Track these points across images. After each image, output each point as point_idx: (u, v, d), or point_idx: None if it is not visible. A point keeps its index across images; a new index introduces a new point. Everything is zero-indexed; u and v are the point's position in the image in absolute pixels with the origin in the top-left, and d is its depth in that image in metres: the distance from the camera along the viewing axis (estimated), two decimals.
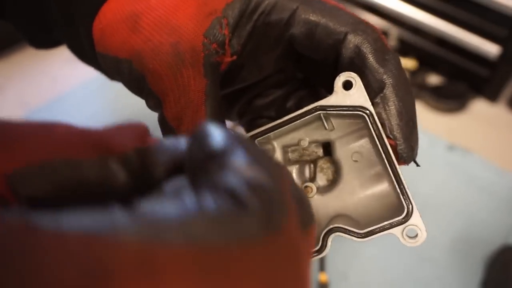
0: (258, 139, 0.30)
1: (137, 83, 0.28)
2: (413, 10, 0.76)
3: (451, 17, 0.74)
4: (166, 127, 0.27)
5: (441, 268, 0.56)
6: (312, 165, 0.32)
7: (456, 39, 0.74)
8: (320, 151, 0.32)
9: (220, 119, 0.27)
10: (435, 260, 0.57)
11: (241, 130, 0.34)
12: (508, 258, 0.53)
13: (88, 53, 0.31)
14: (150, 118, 0.81)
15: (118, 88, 0.83)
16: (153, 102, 0.28)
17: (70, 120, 0.70)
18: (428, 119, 0.74)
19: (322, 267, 0.52)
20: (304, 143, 0.31)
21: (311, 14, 0.26)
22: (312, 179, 0.32)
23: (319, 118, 0.29)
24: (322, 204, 0.31)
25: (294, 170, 0.33)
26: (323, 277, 0.52)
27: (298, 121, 0.29)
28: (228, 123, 0.34)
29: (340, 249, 0.58)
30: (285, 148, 0.32)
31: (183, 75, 0.26)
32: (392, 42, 0.80)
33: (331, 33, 0.26)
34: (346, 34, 0.26)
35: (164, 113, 0.27)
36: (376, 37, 0.26)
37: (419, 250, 0.58)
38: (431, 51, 0.79)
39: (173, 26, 0.26)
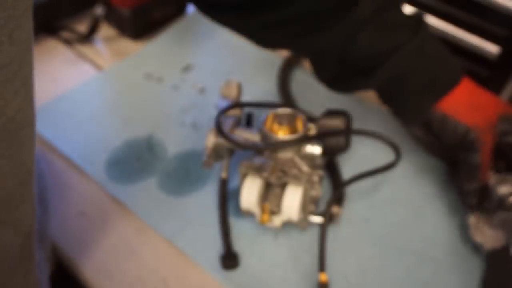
0: None
1: (462, 140, 0.54)
2: (413, 10, 0.76)
3: (450, 17, 0.74)
4: (478, 169, 0.55)
5: (441, 268, 0.56)
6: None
7: (456, 39, 0.74)
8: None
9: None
10: (435, 260, 0.57)
11: None
12: (508, 257, 0.54)
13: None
14: (150, 118, 0.81)
15: (118, 89, 0.84)
16: (476, 156, 0.54)
17: (70, 119, 0.70)
18: None
19: (322, 267, 0.52)
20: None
21: None
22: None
23: None
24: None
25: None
26: (323, 277, 0.52)
27: None
28: None
29: (339, 249, 0.58)
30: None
31: (488, 140, 0.55)
32: None
33: None
34: None
35: (479, 158, 0.54)
36: None
37: (419, 250, 0.58)
38: None
39: (489, 119, 0.55)
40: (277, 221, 0.55)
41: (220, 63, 0.80)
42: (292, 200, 0.51)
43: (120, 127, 0.70)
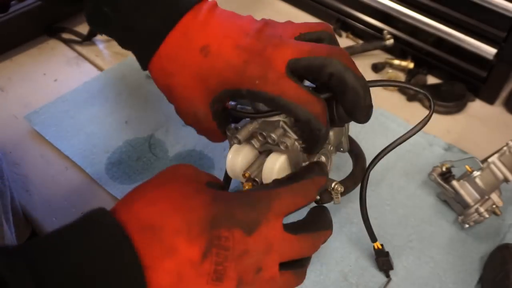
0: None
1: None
2: (410, 11, 0.77)
3: (448, 19, 0.74)
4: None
5: (439, 267, 0.57)
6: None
7: (453, 40, 0.74)
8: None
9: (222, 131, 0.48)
10: (434, 258, 0.58)
11: None
12: (506, 256, 0.54)
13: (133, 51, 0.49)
14: (149, 118, 0.82)
15: (118, 89, 0.84)
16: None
17: (71, 120, 0.70)
18: None
19: (373, 238, 0.55)
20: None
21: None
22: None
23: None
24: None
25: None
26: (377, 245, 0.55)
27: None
28: None
29: (338, 248, 0.58)
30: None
31: (203, 124, 0.47)
32: (388, 42, 0.80)
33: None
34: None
35: (197, 131, 0.50)
36: None
37: (417, 250, 0.58)
38: (428, 52, 0.79)
39: (191, 101, 0.45)
40: None
41: None
42: (272, 164, 0.46)
43: (121, 128, 0.71)
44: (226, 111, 0.48)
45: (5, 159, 0.66)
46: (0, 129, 0.71)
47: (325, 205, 0.47)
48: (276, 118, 0.45)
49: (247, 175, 0.47)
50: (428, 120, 0.48)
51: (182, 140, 0.69)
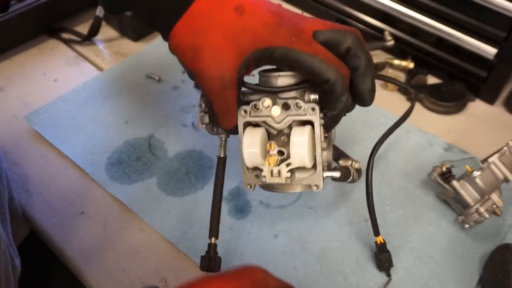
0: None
1: (192, 79, 0.46)
2: (411, 11, 0.77)
3: (448, 18, 0.74)
4: (214, 114, 0.46)
5: (439, 267, 0.57)
6: None
7: (453, 40, 0.74)
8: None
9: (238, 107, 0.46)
10: (434, 258, 0.57)
11: None
12: (506, 256, 0.54)
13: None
14: (149, 118, 0.82)
15: (118, 89, 0.84)
16: (205, 97, 0.46)
17: (71, 120, 0.70)
18: (426, 120, 0.74)
19: (376, 232, 0.56)
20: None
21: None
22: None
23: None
24: None
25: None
26: (380, 239, 0.56)
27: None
28: None
29: (338, 248, 0.58)
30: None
31: (226, 93, 0.44)
32: (389, 43, 0.80)
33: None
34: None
35: (213, 106, 0.45)
36: None
37: (417, 250, 0.58)
38: (428, 52, 0.79)
39: (221, 63, 0.43)
40: (284, 170, 0.46)
41: None
42: (301, 135, 0.44)
43: (121, 128, 0.71)
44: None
45: (5, 159, 0.66)
46: (0, 129, 0.71)
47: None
48: (292, 94, 0.46)
49: (272, 146, 0.45)
50: (409, 115, 0.53)
51: (182, 140, 0.69)
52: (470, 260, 0.57)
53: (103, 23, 0.86)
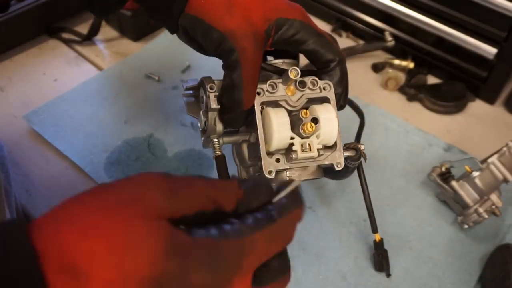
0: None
1: (218, 46, 0.44)
2: (411, 11, 0.77)
3: (448, 18, 0.74)
4: (238, 84, 0.43)
5: (438, 267, 0.57)
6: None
7: (454, 40, 0.74)
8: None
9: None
10: (433, 259, 0.57)
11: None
12: (506, 256, 0.54)
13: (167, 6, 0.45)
14: (149, 118, 0.81)
15: (118, 89, 0.84)
16: (232, 63, 0.43)
17: (71, 119, 0.70)
18: (425, 120, 0.74)
19: (375, 229, 0.56)
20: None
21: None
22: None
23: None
24: None
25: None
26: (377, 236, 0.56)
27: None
28: None
29: (337, 248, 0.58)
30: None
31: (258, 54, 0.44)
32: (389, 43, 0.80)
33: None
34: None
35: (242, 72, 0.43)
36: None
37: (416, 250, 0.58)
38: (429, 52, 0.79)
39: (252, 22, 0.43)
40: (315, 142, 0.44)
41: (219, 63, 0.81)
42: (327, 112, 0.44)
43: (120, 127, 0.71)
44: None
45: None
46: (0, 129, 0.71)
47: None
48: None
49: (308, 113, 0.44)
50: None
51: (181, 139, 0.69)
52: (469, 260, 0.57)
53: (103, 23, 0.86)
